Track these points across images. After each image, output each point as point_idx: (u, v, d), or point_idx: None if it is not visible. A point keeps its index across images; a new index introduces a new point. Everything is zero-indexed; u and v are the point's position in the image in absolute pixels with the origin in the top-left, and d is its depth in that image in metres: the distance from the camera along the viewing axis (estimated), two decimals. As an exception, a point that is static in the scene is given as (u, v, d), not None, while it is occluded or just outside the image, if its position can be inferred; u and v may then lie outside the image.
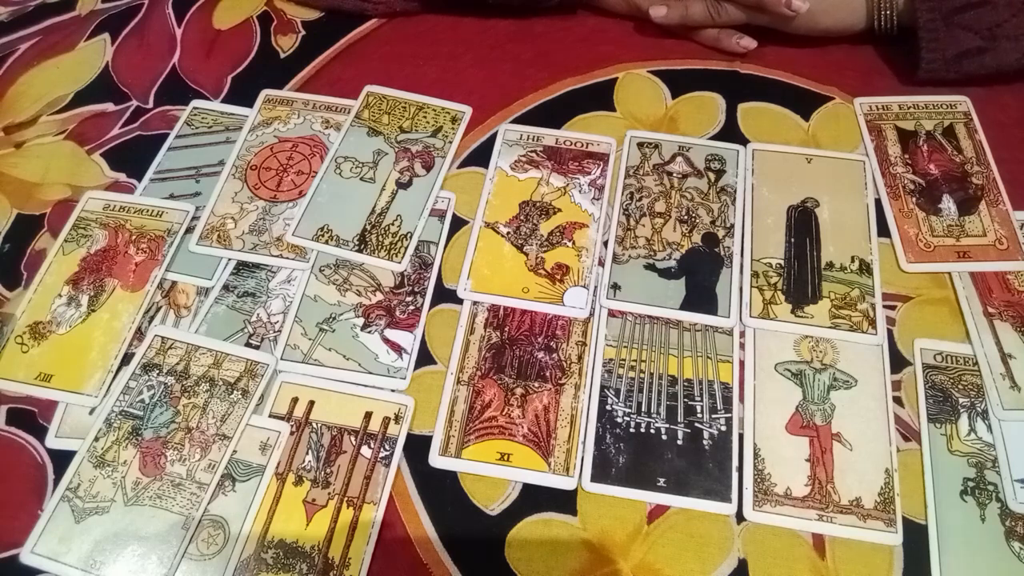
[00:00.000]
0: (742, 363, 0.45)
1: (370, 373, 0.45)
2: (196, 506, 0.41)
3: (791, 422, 0.43)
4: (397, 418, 0.44)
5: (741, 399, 0.44)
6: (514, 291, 0.48)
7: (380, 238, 0.50)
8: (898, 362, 0.45)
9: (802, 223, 0.50)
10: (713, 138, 0.55)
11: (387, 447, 0.43)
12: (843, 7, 0.55)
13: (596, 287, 0.48)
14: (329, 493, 0.42)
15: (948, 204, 0.50)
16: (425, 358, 0.46)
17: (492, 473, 0.42)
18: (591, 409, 0.44)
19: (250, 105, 0.57)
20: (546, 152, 0.54)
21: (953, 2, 0.51)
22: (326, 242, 0.50)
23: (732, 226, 0.50)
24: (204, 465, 0.42)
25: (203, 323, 0.48)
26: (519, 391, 0.45)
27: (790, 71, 0.57)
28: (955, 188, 0.51)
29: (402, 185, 0.53)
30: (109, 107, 0.59)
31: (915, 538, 0.40)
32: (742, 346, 0.46)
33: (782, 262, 0.48)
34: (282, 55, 0.61)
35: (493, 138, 0.55)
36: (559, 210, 0.51)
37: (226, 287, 0.49)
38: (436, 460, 0.43)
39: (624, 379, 0.45)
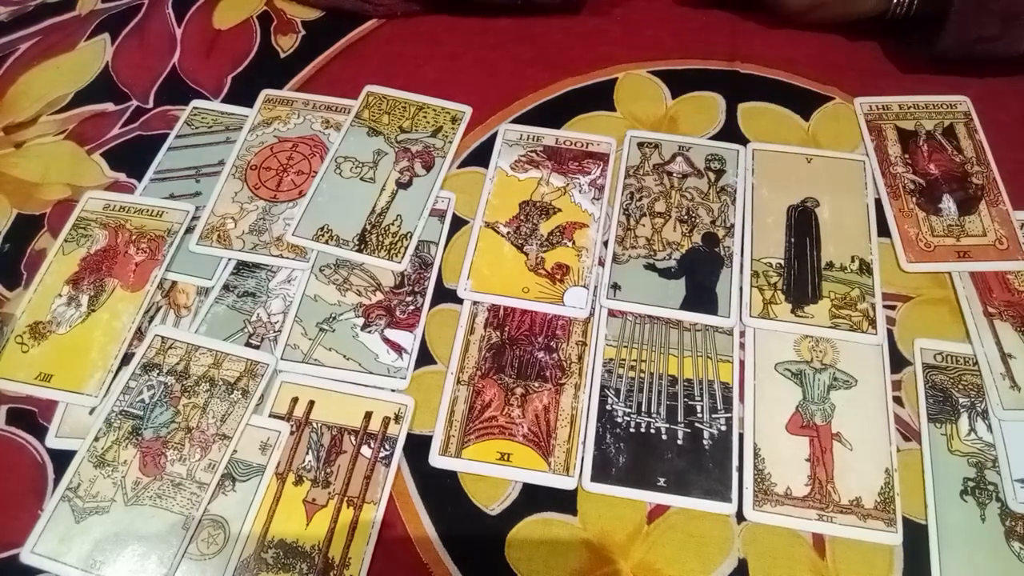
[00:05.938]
0: (742, 363, 0.45)
1: (370, 373, 0.45)
2: (196, 506, 0.41)
3: (791, 422, 0.43)
4: (397, 418, 0.44)
5: (741, 399, 0.44)
6: (514, 291, 0.48)
7: (380, 238, 0.50)
8: (898, 362, 0.45)
9: (802, 223, 0.50)
10: (713, 138, 0.55)
11: (387, 447, 0.43)
12: None
13: (596, 287, 0.48)
14: (329, 493, 0.42)
15: (948, 204, 0.50)
16: (425, 358, 0.46)
17: (492, 473, 0.42)
18: (591, 409, 0.44)
19: (250, 105, 0.57)
20: (546, 152, 0.54)
21: None
22: (326, 242, 0.50)
23: (732, 226, 0.50)
24: (204, 465, 0.42)
25: (203, 323, 0.48)
26: (519, 391, 0.45)
27: (790, 71, 0.57)
28: (955, 188, 0.51)
29: (402, 185, 0.53)
30: (109, 107, 0.59)
31: (915, 538, 0.40)
32: (742, 346, 0.46)
33: (782, 262, 0.48)
34: (282, 55, 0.61)
35: (493, 138, 0.55)
36: (559, 210, 0.51)
37: (226, 287, 0.49)
38: (436, 460, 0.43)
39: (624, 379, 0.45)
